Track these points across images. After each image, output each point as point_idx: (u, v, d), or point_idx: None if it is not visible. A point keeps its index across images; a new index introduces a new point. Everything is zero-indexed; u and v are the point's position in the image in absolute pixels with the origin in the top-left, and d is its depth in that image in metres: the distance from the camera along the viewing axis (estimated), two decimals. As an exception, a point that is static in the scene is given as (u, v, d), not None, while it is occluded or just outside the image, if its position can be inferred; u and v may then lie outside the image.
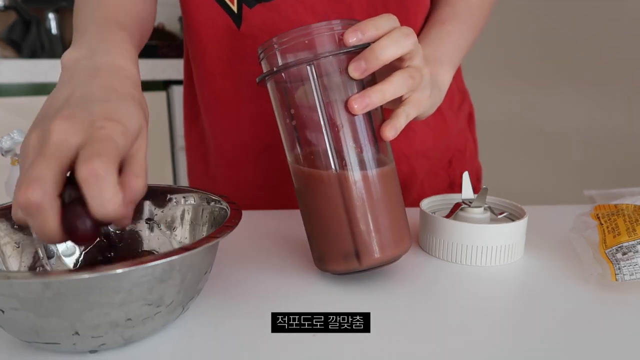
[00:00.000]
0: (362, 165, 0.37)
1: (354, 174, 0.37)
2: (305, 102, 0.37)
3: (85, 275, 0.25)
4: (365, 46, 0.36)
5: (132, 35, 0.42)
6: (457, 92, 0.69)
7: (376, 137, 0.38)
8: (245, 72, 0.58)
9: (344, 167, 0.37)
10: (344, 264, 0.38)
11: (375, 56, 0.36)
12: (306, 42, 0.36)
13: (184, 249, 0.28)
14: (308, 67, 0.36)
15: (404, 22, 0.46)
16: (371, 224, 0.37)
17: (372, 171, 0.37)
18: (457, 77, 0.69)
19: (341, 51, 0.36)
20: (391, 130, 0.37)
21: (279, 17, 0.54)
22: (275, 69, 0.37)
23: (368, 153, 0.37)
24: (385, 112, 0.40)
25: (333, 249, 0.38)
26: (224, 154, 0.65)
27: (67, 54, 0.37)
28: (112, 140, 0.28)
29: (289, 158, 0.40)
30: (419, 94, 0.40)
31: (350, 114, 0.36)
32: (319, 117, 0.36)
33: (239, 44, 0.56)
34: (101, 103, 0.30)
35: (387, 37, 0.36)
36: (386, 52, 0.36)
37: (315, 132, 0.37)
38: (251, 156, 0.63)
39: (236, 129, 0.62)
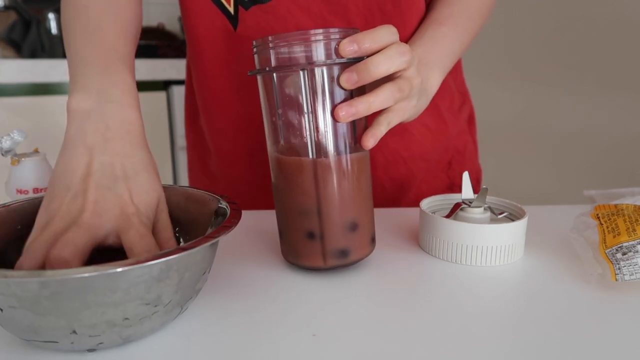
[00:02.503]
0: (337, 158, 0.38)
1: (328, 164, 0.38)
2: (293, 102, 0.38)
3: (81, 274, 0.25)
4: (359, 60, 0.37)
5: (132, 67, 0.42)
6: (458, 94, 0.69)
7: (356, 138, 0.39)
8: (242, 73, 0.58)
9: (320, 158, 0.38)
10: (309, 258, 0.40)
11: (367, 71, 0.36)
12: (302, 46, 0.36)
13: (180, 248, 0.28)
14: (301, 72, 0.36)
15: (399, 23, 0.45)
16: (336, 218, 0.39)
17: (347, 167, 0.38)
18: (458, 78, 0.69)
19: (335, 62, 0.37)
20: (370, 140, 0.38)
21: (274, 18, 0.54)
22: (268, 69, 0.38)
23: (345, 149, 0.39)
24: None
25: (299, 237, 0.40)
26: (223, 154, 0.65)
27: (74, 101, 0.37)
28: (141, 230, 0.34)
29: (269, 149, 0.41)
30: (405, 103, 0.41)
31: (335, 121, 0.37)
32: (304, 119, 0.37)
33: (236, 45, 0.56)
34: (123, 182, 0.35)
35: (383, 54, 0.37)
36: (379, 68, 0.36)
37: (299, 134, 0.38)
38: (249, 155, 0.63)
39: (234, 129, 0.62)
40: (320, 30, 0.36)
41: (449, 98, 0.65)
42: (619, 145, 1.52)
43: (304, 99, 0.37)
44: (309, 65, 0.36)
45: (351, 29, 0.38)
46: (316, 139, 0.37)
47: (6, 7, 1.53)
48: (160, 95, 1.56)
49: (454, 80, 0.67)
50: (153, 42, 1.73)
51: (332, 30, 0.36)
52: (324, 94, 0.37)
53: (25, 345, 0.31)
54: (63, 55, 1.72)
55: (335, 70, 0.37)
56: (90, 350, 0.30)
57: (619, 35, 1.46)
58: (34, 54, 1.62)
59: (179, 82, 1.56)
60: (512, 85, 1.63)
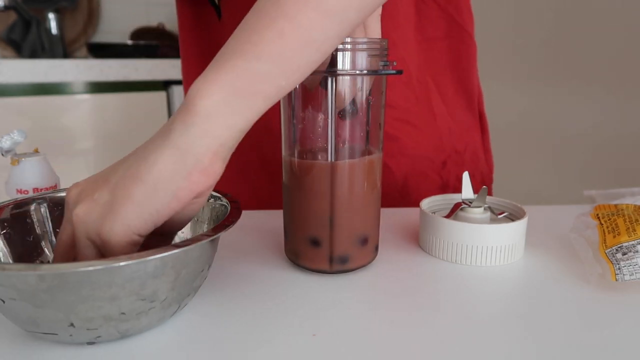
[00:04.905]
0: (352, 164, 0.39)
1: (344, 169, 0.38)
2: (315, 106, 0.38)
3: (76, 269, 0.26)
4: (378, 72, 0.37)
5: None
6: (458, 89, 0.65)
7: (369, 147, 0.40)
8: None
9: (336, 162, 0.38)
10: (315, 261, 0.40)
11: None
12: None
13: (175, 245, 0.28)
14: (328, 79, 0.37)
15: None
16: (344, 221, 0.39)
17: (361, 173, 0.39)
18: (468, 76, 0.65)
19: (361, 72, 0.37)
20: None
21: None
22: None
23: (360, 155, 0.40)
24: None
25: (305, 241, 0.40)
26: None
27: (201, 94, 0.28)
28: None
29: (284, 151, 0.41)
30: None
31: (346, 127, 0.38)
32: (326, 124, 0.38)
33: (221, 38, 0.56)
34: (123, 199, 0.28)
35: None
36: None
37: (318, 138, 0.39)
38: (237, 159, 0.63)
39: None
40: (348, 39, 0.36)
41: (440, 90, 0.62)
42: (619, 145, 1.52)
43: (328, 105, 0.37)
44: (334, 73, 0.36)
45: (379, 39, 0.38)
46: (335, 144, 0.38)
47: (6, 7, 1.53)
48: (160, 95, 1.55)
49: (455, 79, 0.65)
50: (153, 42, 1.72)
51: (359, 39, 0.37)
52: (346, 101, 0.38)
53: (29, 337, 0.32)
54: (63, 55, 1.72)
55: (359, 79, 0.38)
56: (90, 343, 0.30)
57: (620, 36, 1.46)
58: (34, 54, 1.62)
59: (178, 82, 1.55)
60: (512, 86, 1.63)
